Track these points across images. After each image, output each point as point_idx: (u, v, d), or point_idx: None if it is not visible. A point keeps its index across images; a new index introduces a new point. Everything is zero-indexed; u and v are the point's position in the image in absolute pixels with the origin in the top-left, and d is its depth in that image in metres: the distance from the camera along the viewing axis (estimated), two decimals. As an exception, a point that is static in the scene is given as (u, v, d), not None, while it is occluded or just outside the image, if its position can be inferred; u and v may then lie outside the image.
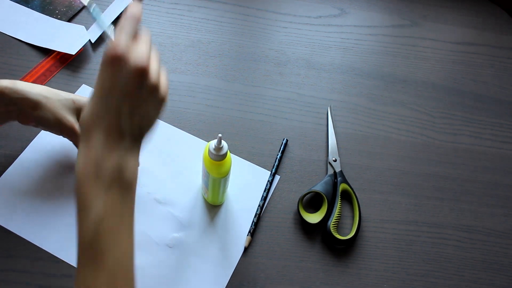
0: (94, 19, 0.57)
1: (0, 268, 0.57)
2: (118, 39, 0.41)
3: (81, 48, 0.75)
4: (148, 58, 0.42)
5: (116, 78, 0.41)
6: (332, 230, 0.63)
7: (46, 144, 0.66)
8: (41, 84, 0.71)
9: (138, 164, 0.45)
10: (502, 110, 0.82)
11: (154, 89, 0.43)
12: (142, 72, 0.41)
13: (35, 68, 0.73)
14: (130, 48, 0.41)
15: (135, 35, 0.43)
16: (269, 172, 0.68)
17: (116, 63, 0.41)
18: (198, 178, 0.65)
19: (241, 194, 0.66)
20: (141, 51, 0.42)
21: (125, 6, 0.80)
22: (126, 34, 0.42)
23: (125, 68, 0.41)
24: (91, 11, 0.56)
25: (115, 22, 0.79)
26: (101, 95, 0.42)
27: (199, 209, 0.64)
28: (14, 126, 0.67)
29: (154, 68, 0.43)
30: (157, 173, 0.66)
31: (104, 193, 0.41)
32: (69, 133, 0.60)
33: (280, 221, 0.65)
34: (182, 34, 0.81)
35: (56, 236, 0.60)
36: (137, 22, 0.44)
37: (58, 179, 0.63)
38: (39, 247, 0.59)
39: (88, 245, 0.41)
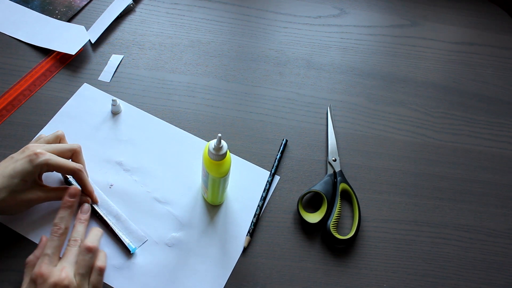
0: None
1: (0, 268, 0.57)
2: (42, 262, 0.50)
3: (81, 48, 0.75)
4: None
5: None
6: (332, 229, 0.63)
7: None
8: (40, 85, 0.71)
9: None
10: (502, 110, 0.82)
11: None
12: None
13: (35, 68, 0.73)
14: (52, 270, 0.50)
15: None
16: (269, 172, 0.68)
17: (38, 279, 0.49)
18: (198, 177, 0.65)
19: (240, 194, 0.66)
20: (59, 273, 0.50)
21: (125, 6, 0.81)
22: (49, 257, 0.51)
23: (46, 284, 0.49)
24: None
25: (115, 22, 0.80)
26: None
27: (199, 209, 0.64)
28: (16, 127, 0.67)
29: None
30: (156, 172, 0.66)
31: None
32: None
33: (279, 221, 0.65)
34: (182, 34, 0.81)
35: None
36: (63, 240, 0.54)
37: (58, 176, 0.64)
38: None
39: None
